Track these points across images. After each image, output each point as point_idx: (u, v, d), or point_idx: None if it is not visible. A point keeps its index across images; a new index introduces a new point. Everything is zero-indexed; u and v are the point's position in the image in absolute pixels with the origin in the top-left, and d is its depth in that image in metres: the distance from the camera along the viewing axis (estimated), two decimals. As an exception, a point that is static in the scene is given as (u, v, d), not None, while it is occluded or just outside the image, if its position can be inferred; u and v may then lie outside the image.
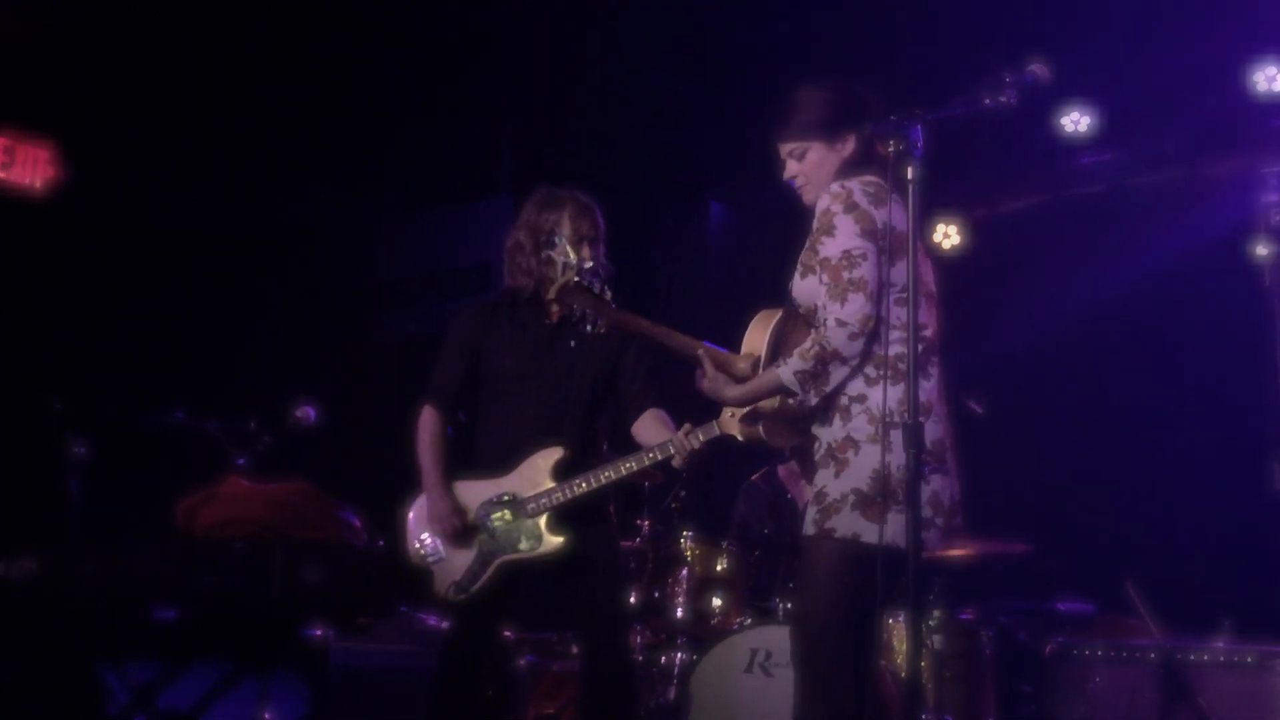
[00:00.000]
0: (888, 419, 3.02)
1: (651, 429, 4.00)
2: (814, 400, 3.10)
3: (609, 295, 3.61)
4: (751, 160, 7.17)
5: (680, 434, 3.75)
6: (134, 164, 6.89)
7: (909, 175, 2.91)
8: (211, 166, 7.14)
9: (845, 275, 3.06)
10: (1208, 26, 5.77)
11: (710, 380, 3.25)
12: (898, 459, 2.99)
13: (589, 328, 3.61)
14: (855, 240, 3.08)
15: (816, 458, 3.17)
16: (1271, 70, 5.83)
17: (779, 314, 3.31)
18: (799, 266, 3.23)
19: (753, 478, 5.62)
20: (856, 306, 3.04)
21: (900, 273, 3.07)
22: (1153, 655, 4.44)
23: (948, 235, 6.82)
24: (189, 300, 7.16)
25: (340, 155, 7.44)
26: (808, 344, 3.09)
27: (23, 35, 6.49)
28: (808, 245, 3.20)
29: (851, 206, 3.10)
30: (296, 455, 4.42)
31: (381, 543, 4.09)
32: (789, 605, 4.75)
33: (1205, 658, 4.37)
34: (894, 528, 3.01)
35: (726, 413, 3.63)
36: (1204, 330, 6.11)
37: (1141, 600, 4.62)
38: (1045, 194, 6.91)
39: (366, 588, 3.98)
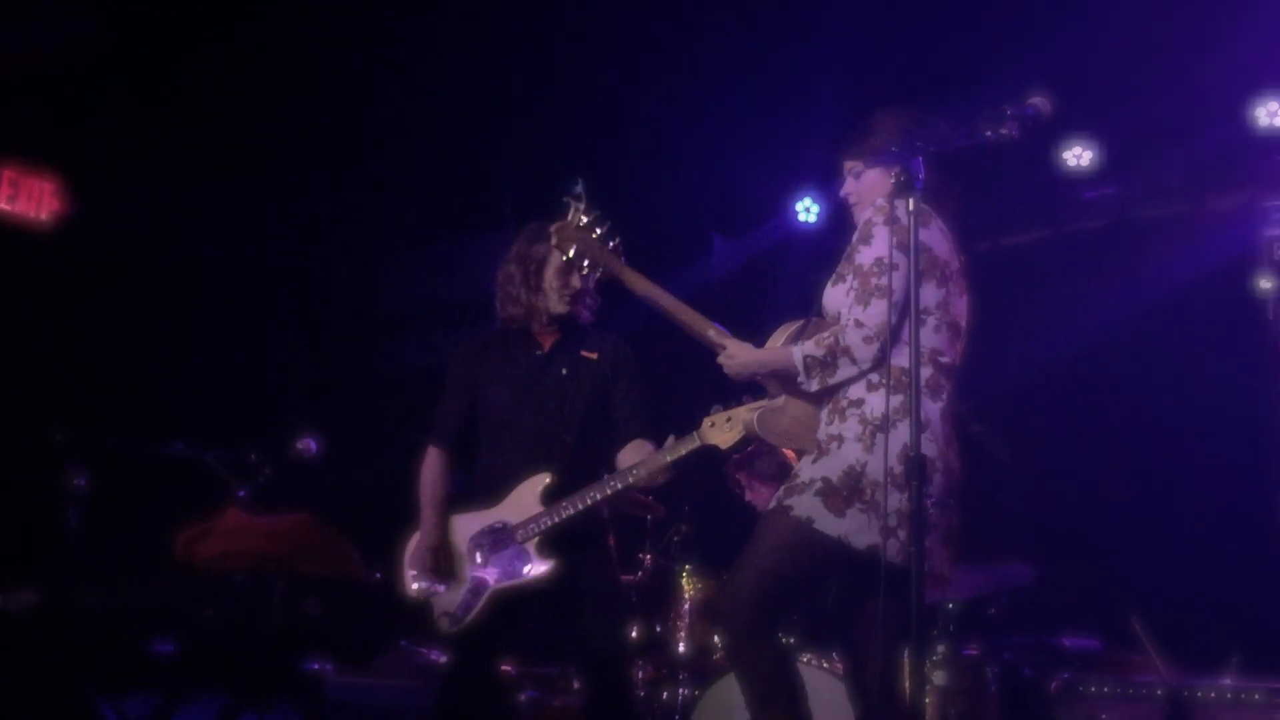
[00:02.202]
0: (878, 423, 3.07)
1: (633, 458, 3.98)
2: (814, 387, 3.18)
3: (620, 251, 3.56)
4: (753, 194, 7.26)
5: (663, 449, 3.75)
6: (138, 197, 6.92)
7: (910, 206, 2.92)
8: (215, 199, 7.17)
9: (873, 281, 3.13)
10: (1210, 62, 5.79)
11: (732, 347, 3.32)
12: (877, 462, 3.03)
13: (586, 271, 3.53)
14: (890, 250, 3.13)
15: (810, 443, 3.25)
16: (1273, 105, 5.83)
17: (800, 323, 3.37)
18: (834, 275, 3.29)
19: None
20: (877, 312, 3.11)
21: (929, 294, 3.13)
22: (1159, 692, 4.41)
23: (951, 268, 6.82)
24: (190, 331, 7.17)
25: (345, 187, 7.47)
26: (826, 333, 3.18)
27: (29, 69, 6.54)
28: (846, 254, 3.27)
29: (893, 220, 3.15)
30: (297, 487, 4.40)
31: (379, 575, 4.08)
32: (792, 640, 4.72)
33: (1212, 695, 4.33)
34: (851, 524, 3.07)
35: (706, 423, 3.64)
36: (1208, 363, 6.09)
37: (1147, 635, 4.59)
38: (1048, 227, 6.91)
39: (366, 621, 3.96)
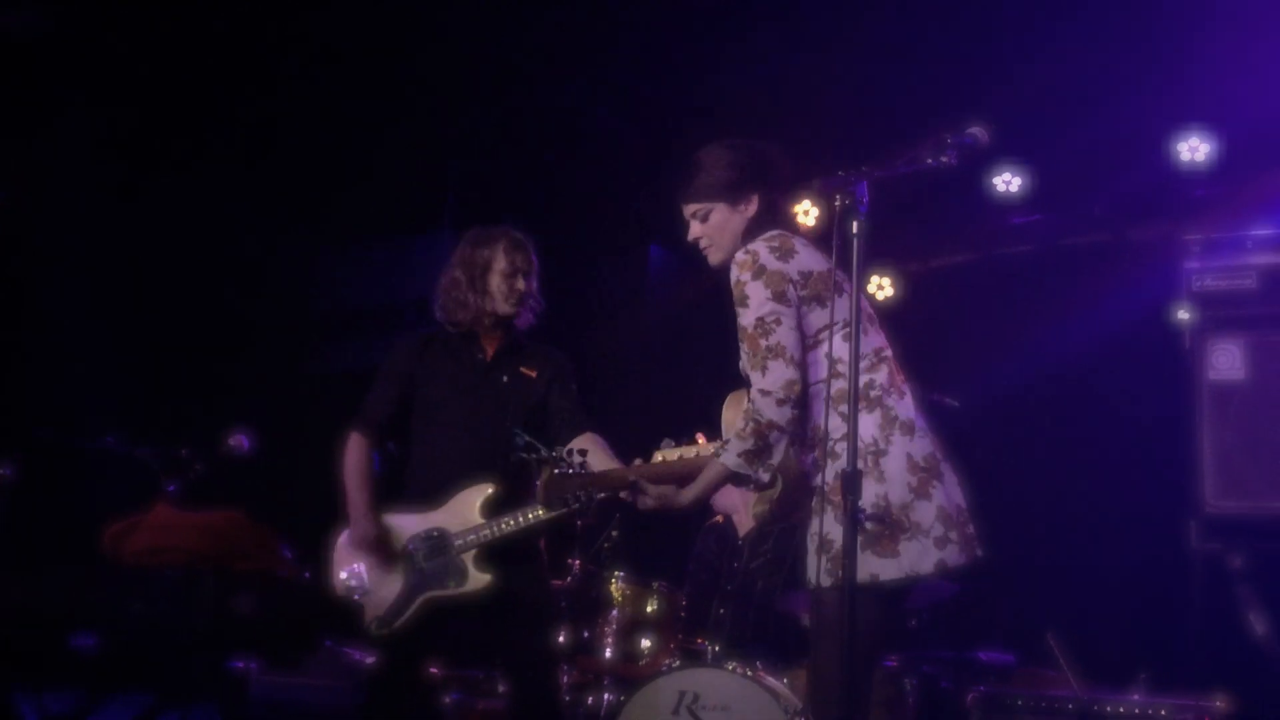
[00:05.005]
0: (873, 447, 3.01)
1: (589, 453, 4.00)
2: (766, 477, 3.04)
3: (588, 466, 3.48)
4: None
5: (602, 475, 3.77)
6: (72, 188, 6.83)
7: (854, 230, 2.97)
8: (151, 193, 7.09)
9: (762, 344, 3.04)
10: (1136, 97, 5.96)
11: (655, 498, 3.16)
12: (896, 486, 2.98)
13: (586, 513, 3.53)
14: (767, 306, 3.06)
15: (813, 504, 3.09)
16: (1194, 141, 6.03)
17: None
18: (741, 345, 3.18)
19: (718, 519, 5.54)
20: (777, 373, 3.02)
21: (841, 309, 3.06)
22: (1070, 706, 4.55)
23: (881, 287, 6.95)
24: (124, 325, 7.08)
25: (282, 185, 7.41)
26: (741, 423, 3.04)
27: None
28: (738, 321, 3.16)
29: (759, 271, 3.08)
30: (228, 484, 4.38)
31: (308, 575, 4.07)
32: (717, 648, 4.78)
33: (1121, 710, 4.49)
34: (909, 557, 2.96)
35: (657, 457, 3.64)
36: (1128, 389, 6.26)
37: (1061, 652, 4.72)
38: (977, 251, 7.07)
39: (294, 620, 3.95)
